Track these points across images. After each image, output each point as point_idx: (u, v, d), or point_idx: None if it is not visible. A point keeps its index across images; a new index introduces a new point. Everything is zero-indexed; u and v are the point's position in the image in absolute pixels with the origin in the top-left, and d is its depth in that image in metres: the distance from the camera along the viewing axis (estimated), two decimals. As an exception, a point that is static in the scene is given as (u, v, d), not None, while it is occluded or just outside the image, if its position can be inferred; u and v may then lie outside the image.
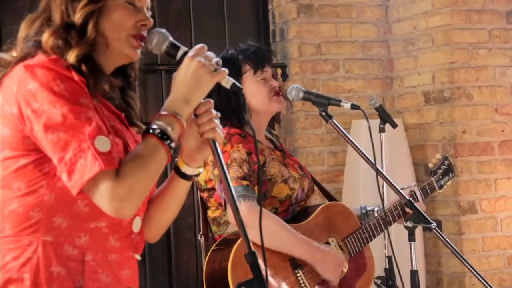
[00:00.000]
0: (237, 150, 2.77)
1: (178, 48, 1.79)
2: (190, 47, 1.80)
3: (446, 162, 3.25)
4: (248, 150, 2.79)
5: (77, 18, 1.77)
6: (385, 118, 3.21)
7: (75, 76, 1.71)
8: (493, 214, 4.61)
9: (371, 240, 2.99)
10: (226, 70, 1.77)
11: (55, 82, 1.68)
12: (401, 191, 2.78)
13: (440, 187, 3.22)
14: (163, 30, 1.80)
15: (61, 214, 1.72)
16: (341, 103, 2.88)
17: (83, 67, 1.74)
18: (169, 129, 1.72)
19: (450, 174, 3.25)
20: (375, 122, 3.18)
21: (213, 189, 2.84)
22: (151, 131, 1.72)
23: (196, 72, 1.74)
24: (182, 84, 1.75)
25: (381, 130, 3.25)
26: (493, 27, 4.68)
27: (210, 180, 2.83)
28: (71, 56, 1.74)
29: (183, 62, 1.76)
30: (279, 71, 4.85)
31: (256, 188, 2.77)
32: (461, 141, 4.57)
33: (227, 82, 1.78)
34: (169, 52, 1.80)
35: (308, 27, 4.80)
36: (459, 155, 4.54)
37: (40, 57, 1.73)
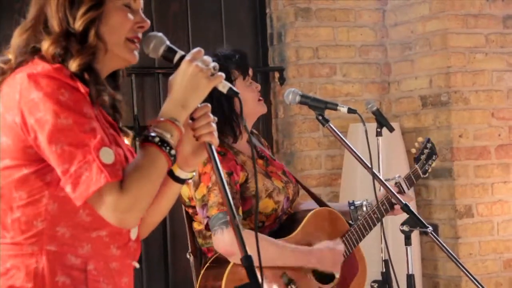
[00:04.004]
0: None
1: (175, 52, 1.79)
2: (188, 50, 1.80)
3: (429, 145, 3.20)
4: (229, 170, 2.75)
5: (78, 25, 1.74)
6: (382, 122, 3.21)
7: (80, 87, 1.70)
8: (489, 218, 4.62)
9: (360, 240, 2.98)
10: (223, 75, 1.77)
11: (59, 92, 1.66)
12: (397, 195, 2.78)
13: (425, 172, 3.18)
14: (160, 34, 1.80)
15: (64, 223, 1.72)
16: (338, 107, 2.88)
17: (86, 76, 1.72)
18: (168, 136, 1.72)
19: (434, 156, 3.20)
20: (372, 126, 3.19)
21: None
22: (150, 139, 1.72)
23: (193, 76, 1.74)
24: (179, 89, 1.74)
25: (378, 134, 3.25)
26: (490, 32, 4.68)
27: (193, 198, 2.80)
28: (73, 65, 1.72)
29: (180, 67, 1.76)
30: (277, 74, 4.86)
31: (240, 210, 2.74)
32: (458, 145, 4.57)
33: (224, 86, 1.78)
34: (166, 56, 1.79)
35: (305, 31, 4.80)
36: (456, 159, 4.55)
37: (44, 66, 1.70)
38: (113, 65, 1.84)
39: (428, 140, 3.22)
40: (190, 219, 2.89)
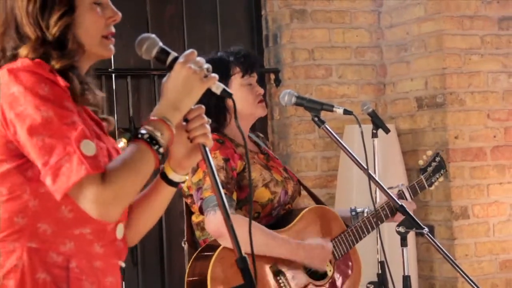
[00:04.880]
0: (214, 157, 2.75)
1: (168, 53, 1.78)
2: (184, 52, 1.79)
3: (438, 159, 3.21)
4: (226, 156, 2.78)
5: (53, 32, 1.74)
6: (377, 123, 3.21)
7: (60, 81, 1.69)
8: (485, 219, 4.62)
9: (357, 242, 2.98)
10: (217, 76, 1.77)
11: (40, 86, 1.66)
12: (393, 196, 2.78)
13: (431, 184, 3.18)
14: (153, 36, 1.79)
15: (45, 220, 1.71)
16: (334, 109, 2.89)
17: (70, 75, 1.73)
18: (158, 134, 1.71)
19: (442, 170, 3.20)
20: (368, 127, 3.19)
21: None
22: (140, 136, 1.71)
23: (187, 78, 1.73)
24: (172, 91, 1.74)
25: (374, 135, 3.26)
26: (486, 33, 4.69)
27: (191, 186, 2.82)
28: (56, 66, 1.72)
29: (173, 69, 1.75)
30: (272, 76, 4.86)
31: (234, 195, 2.76)
32: (454, 146, 4.58)
33: (218, 87, 1.77)
34: (159, 57, 1.78)
35: (301, 33, 4.81)
36: (451, 160, 4.55)
37: (24, 61, 1.71)
38: (89, 63, 1.84)
39: (437, 154, 3.22)
40: (190, 210, 2.90)
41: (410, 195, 3.09)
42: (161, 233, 4.51)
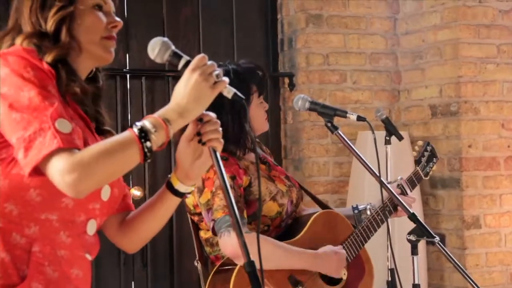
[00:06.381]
0: None
1: (180, 57, 1.76)
2: (198, 54, 1.78)
3: (429, 148, 3.24)
4: (232, 174, 2.76)
5: (50, 25, 1.79)
6: (391, 130, 3.20)
7: (45, 65, 1.73)
8: (497, 229, 4.60)
9: (365, 242, 2.99)
10: (227, 80, 1.74)
11: (26, 70, 1.70)
12: (405, 204, 2.77)
13: (426, 174, 3.21)
14: (165, 39, 1.78)
15: (12, 201, 1.72)
16: (347, 115, 2.88)
17: (60, 66, 1.76)
18: (152, 130, 1.68)
19: (434, 159, 3.24)
20: (381, 134, 3.18)
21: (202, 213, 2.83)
22: (133, 127, 1.69)
23: (196, 86, 1.71)
24: (181, 98, 1.72)
25: (387, 142, 3.25)
26: (502, 42, 4.67)
27: (198, 205, 2.81)
28: (48, 58, 1.76)
29: (183, 75, 1.73)
30: (286, 80, 4.86)
31: (244, 213, 2.74)
32: (467, 155, 4.56)
33: (229, 92, 1.75)
34: (171, 61, 1.77)
35: (316, 37, 4.80)
36: (464, 169, 4.53)
37: (16, 47, 1.76)
38: (89, 65, 1.87)
39: (428, 144, 3.26)
40: (197, 227, 2.90)
41: (410, 188, 3.10)
42: (171, 235, 4.51)
